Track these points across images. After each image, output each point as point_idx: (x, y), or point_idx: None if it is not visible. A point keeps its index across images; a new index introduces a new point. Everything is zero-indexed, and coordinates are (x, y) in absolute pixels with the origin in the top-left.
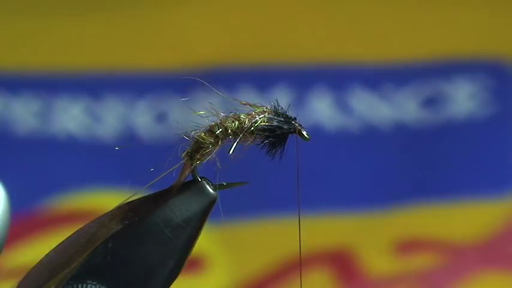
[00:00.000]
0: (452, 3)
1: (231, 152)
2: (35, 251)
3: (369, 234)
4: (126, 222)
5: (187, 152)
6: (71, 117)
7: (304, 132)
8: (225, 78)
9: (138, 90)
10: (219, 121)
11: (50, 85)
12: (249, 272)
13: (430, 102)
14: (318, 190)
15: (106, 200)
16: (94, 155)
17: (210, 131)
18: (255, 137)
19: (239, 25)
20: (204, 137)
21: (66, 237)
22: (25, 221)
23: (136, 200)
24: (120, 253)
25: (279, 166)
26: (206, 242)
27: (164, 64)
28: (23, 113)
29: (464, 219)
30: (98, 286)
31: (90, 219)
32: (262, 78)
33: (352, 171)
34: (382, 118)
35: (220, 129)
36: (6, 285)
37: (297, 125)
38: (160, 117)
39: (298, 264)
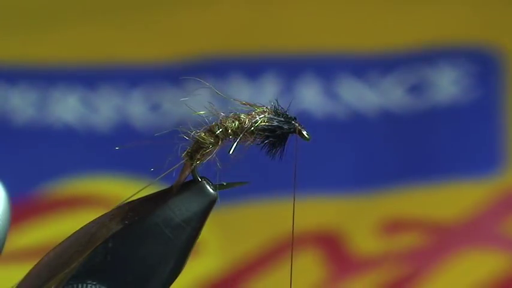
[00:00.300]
0: None
1: (231, 152)
2: (34, 234)
3: (357, 216)
4: (126, 222)
5: (187, 152)
6: (67, 107)
7: (305, 132)
8: (215, 68)
9: (133, 80)
10: (219, 121)
11: (46, 76)
12: (241, 253)
13: (415, 89)
14: (306, 174)
15: (102, 186)
16: (90, 143)
17: (210, 131)
18: (255, 137)
19: (229, 15)
20: (204, 137)
21: (65, 236)
22: (24, 206)
23: (136, 200)
24: (120, 253)
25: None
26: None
27: (157, 55)
28: (20, 103)
29: (449, 199)
30: (98, 286)
31: (87, 204)
32: (252, 67)
33: (340, 156)
34: (369, 105)
35: (221, 129)
36: (6, 269)
37: (297, 125)
38: (155, 107)
39: (288, 245)
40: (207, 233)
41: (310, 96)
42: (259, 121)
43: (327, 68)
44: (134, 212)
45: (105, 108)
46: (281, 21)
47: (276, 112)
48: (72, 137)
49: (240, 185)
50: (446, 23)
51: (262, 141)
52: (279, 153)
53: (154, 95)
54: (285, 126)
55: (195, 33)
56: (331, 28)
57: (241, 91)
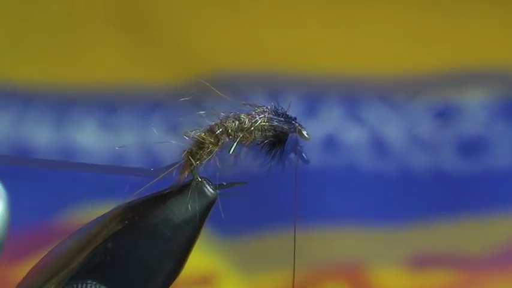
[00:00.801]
0: (464, 12)
1: (231, 152)
2: None
3: (385, 249)
4: (126, 222)
5: (188, 151)
6: (85, 130)
7: (305, 132)
8: (235, 88)
9: (151, 103)
10: (219, 121)
11: (64, 98)
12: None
13: (442, 114)
14: (333, 202)
15: None
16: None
17: (211, 130)
18: (255, 137)
19: (250, 33)
20: (204, 136)
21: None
22: (42, 232)
23: (136, 200)
24: (120, 253)
25: (286, 179)
26: (213, 258)
27: (175, 76)
28: (37, 125)
29: (480, 234)
30: (97, 286)
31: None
32: (273, 88)
33: (366, 185)
34: (395, 130)
35: (221, 129)
36: None
37: (297, 124)
38: (173, 130)
39: (312, 278)
40: (222, 268)
41: (334, 120)
42: (259, 121)
43: (351, 91)
44: (134, 213)
45: (124, 132)
46: (304, 42)
47: (276, 112)
48: (92, 161)
49: (240, 184)
50: (474, 46)
51: (262, 141)
52: (279, 154)
53: (173, 118)
54: (285, 126)
55: (214, 52)
56: (356, 50)
57: None
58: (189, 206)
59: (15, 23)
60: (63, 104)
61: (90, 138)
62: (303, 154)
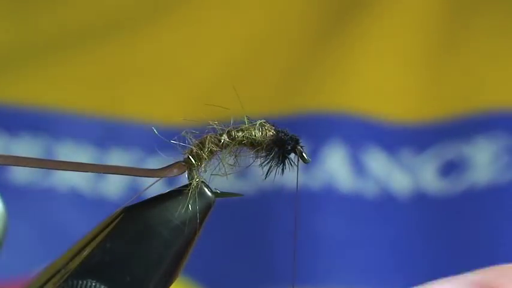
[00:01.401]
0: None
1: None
2: None
3: None
4: (125, 223)
5: (189, 151)
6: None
7: (305, 155)
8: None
9: (146, 145)
10: (226, 130)
11: (51, 128)
12: None
13: (450, 167)
14: (332, 263)
15: None
16: (98, 209)
17: (216, 137)
18: (255, 137)
19: (256, 75)
20: (209, 139)
21: None
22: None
23: (136, 204)
24: (118, 253)
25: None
26: None
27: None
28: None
29: None
30: (97, 285)
31: None
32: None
33: (370, 242)
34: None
35: (225, 136)
36: None
37: (299, 146)
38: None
39: None
40: None
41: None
42: (260, 121)
43: (355, 135)
44: (133, 214)
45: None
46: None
47: (281, 131)
48: (78, 201)
49: (234, 196)
50: (481, 92)
51: (265, 155)
52: (276, 172)
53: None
54: (288, 144)
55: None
56: (359, 93)
57: None
58: (189, 206)
59: None
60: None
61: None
62: (304, 154)
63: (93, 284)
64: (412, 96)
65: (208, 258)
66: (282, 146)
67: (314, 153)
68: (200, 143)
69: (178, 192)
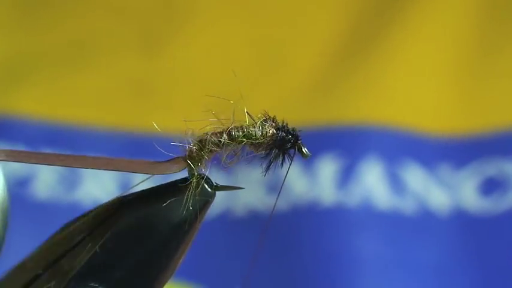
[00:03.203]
0: None
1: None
2: None
3: None
4: (125, 220)
5: (189, 149)
6: (99, 183)
7: (305, 150)
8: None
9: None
10: (225, 127)
11: (76, 143)
12: None
13: (491, 184)
14: (370, 283)
15: None
16: None
17: (216, 136)
18: (256, 136)
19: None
20: (209, 139)
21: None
22: None
23: (135, 197)
24: (119, 253)
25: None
26: None
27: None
28: (45, 174)
29: None
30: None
31: None
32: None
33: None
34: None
35: (225, 136)
36: None
37: (299, 142)
38: None
39: None
40: None
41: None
42: (262, 132)
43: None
44: (133, 211)
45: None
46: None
47: (281, 126)
48: None
49: (235, 189)
50: None
51: (266, 152)
52: (273, 167)
53: None
54: (287, 140)
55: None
56: (398, 105)
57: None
58: (190, 204)
59: None
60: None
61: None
62: (303, 150)
63: (96, 286)
64: (450, 110)
65: (238, 273)
66: (282, 145)
67: (350, 168)
68: (200, 142)
69: (178, 189)
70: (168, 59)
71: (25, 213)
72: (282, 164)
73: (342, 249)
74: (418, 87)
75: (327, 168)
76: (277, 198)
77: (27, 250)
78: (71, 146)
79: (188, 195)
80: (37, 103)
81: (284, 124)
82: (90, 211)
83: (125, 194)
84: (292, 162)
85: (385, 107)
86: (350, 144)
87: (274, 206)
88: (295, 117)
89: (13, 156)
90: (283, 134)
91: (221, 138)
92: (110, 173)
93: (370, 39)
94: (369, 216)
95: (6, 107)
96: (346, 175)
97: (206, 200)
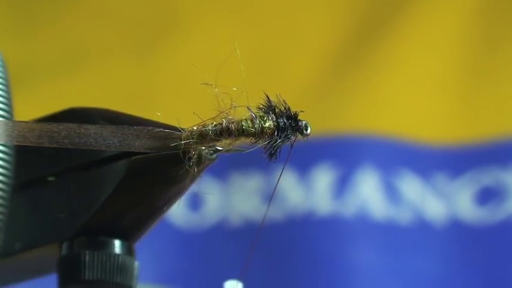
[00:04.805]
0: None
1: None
2: None
3: None
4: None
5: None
6: None
7: (305, 130)
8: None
9: None
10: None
11: None
12: None
13: (487, 194)
14: None
15: None
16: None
17: (216, 128)
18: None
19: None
20: (210, 130)
21: None
22: None
23: (141, 157)
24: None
25: None
26: None
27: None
28: None
29: None
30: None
31: None
32: (303, 155)
33: (404, 270)
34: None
35: (224, 126)
36: None
37: (299, 125)
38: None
39: None
40: None
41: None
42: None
43: (389, 159)
44: (138, 164)
45: None
46: (344, 102)
47: (280, 113)
48: None
49: (236, 152)
50: None
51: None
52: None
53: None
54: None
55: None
56: (394, 115)
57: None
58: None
59: None
60: None
61: None
62: (304, 130)
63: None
64: (446, 119)
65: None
66: (282, 133)
67: (346, 178)
68: (200, 135)
69: (180, 162)
70: (162, 65)
71: None
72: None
73: (338, 259)
74: (414, 97)
75: (323, 178)
76: (269, 202)
77: None
78: None
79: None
80: (31, 111)
81: (284, 110)
82: None
83: None
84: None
85: (381, 117)
86: (346, 154)
87: (267, 211)
88: None
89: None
90: (283, 123)
91: (221, 128)
92: None
93: (366, 50)
94: (364, 226)
95: None
96: (342, 185)
97: (206, 165)
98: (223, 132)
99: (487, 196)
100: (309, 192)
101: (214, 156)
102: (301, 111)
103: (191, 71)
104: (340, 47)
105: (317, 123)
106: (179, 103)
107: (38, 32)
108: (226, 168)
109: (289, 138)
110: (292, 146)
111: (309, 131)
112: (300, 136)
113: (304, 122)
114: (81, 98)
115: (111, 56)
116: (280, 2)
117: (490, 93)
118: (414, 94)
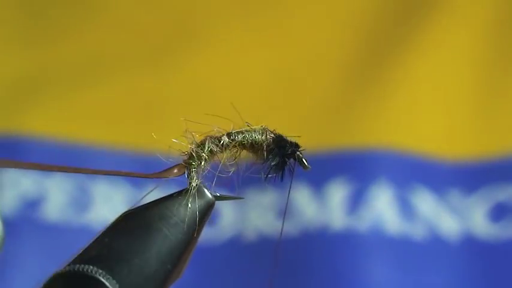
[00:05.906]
0: None
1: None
2: None
3: None
4: (125, 220)
5: (189, 153)
6: (110, 206)
7: (305, 161)
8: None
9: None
10: (225, 132)
11: (88, 161)
12: None
13: (502, 210)
14: None
15: None
16: None
17: (216, 137)
18: (255, 139)
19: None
20: (209, 140)
21: None
22: None
23: (137, 206)
24: (117, 247)
25: None
26: None
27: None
28: (56, 196)
29: None
30: (95, 268)
31: None
32: (317, 170)
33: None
34: (450, 227)
35: (225, 137)
36: None
37: (298, 152)
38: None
39: None
40: None
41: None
42: (262, 137)
43: (403, 174)
44: (133, 213)
45: None
46: (358, 116)
47: (281, 137)
48: None
49: (234, 199)
50: None
51: (266, 158)
52: (274, 178)
53: None
54: (288, 149)
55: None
56: (409, 130)
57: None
58: (189, 205)
59: None
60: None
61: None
62: (304, 160)
63: (92, 268)
64: (460, 135)
65: None
66: (281, 147)
67: (360, 193)
68: (201, 143)
69: (178, 193)
70: (180, 77)
71: (36, 234)
72: (281, 177)
73: (352, 274)
74: (429, 112)
75: (337, 193)
76: (284, 217)
77: (38, 271)
78: (82, 165)
79: (187, 196)
80: (48, 122)
81: (283, 135)
82: None
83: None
84: (294, 176)
85: (396, 132)
86: (360, 168)
87: (282, 227)
88: (306, 141)
89: (11, 164)
90: (282, 138)
91: (221, 138)
92: (121, 196)
93: (381, 64)
94: (379, 241)
95: (18, 126)
96: (356, 200)
97: (206, 202)
98: (223, 136)
99: (501, 212)
100: (324, 207)
101: (212, 198)
102: (298, 136)
103: (208, 82)
104: (356, 63)
105: (332, 138)
106: (195, 113)
107: (57, 42)
108: (241, 183)
109: (287, 158)
110: (293, 171)
111: (305, 161)
112: (301, 166)
113: (298, 153)
114: (99, 108)
115: (129, 66)
116: (295, 20)
117: (505, 109)
118: (429, 110)
